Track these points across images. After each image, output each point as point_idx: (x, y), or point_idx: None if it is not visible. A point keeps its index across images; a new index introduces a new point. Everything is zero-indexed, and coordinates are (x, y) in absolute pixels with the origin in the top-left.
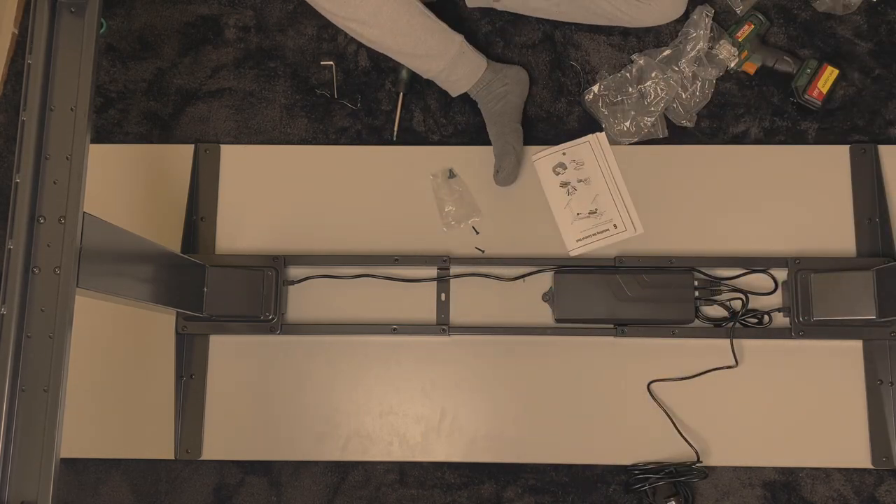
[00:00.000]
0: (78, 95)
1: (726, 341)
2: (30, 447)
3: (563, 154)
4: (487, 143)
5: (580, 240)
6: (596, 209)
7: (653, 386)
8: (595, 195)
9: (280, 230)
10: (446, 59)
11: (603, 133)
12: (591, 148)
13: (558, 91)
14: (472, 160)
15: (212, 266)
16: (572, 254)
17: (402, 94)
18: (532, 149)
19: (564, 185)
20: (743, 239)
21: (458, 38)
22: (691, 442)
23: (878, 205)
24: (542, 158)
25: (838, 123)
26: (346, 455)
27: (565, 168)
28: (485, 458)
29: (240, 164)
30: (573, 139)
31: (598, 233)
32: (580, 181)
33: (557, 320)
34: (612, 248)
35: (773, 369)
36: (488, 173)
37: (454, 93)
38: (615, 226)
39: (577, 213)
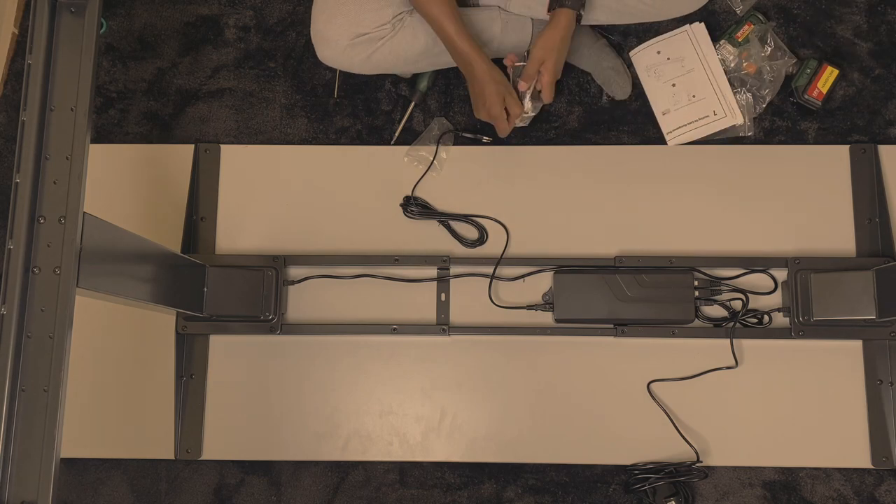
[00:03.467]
0: (78, 95)
1: (726, 341)
2: (30, 447)
3: (658, 53)
4: (487, 143)
5: (678, 128)
6: (695, 95)
7: (653, 386)
8: (694, 85)
9: (280, 230)
10: (495, 36)
11: (700, 24)
12: (688, 38)
13: (558, 90)
14: (473, 160)
15: (212, 266)
16: (671, 143)
17: (413, 103)
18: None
19: (661, 76)
20: (743, 239)
21: (496, 12)
22: (691, 442)
23: (878, 205)
24: (640, 53)
25: (838, 123)
26: (346, 455)
27: (663, 59)
28: (485, 458)
29: (240, 164)
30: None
31: (697, 120)
32: (679, 72)
33: (557, 320)
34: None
35: (773, 369)
36: (488, 173)
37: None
38: (714, 112)
39: (676, 103)
